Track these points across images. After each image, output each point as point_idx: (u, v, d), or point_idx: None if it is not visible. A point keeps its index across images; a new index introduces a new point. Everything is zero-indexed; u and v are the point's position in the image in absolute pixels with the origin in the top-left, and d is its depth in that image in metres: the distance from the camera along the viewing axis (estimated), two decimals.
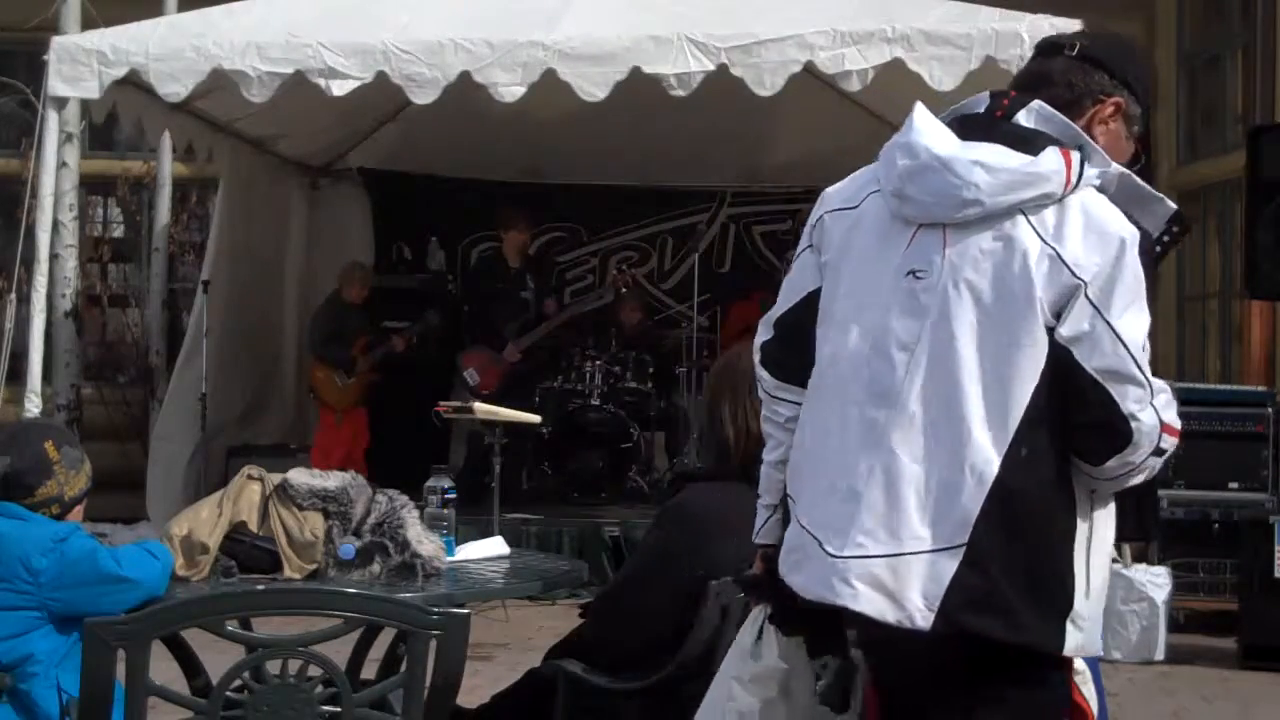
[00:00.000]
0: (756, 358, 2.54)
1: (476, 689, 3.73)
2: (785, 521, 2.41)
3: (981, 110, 2.34)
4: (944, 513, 2.17)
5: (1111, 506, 2.28)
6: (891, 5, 7.31)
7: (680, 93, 7.18)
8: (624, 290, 9.80)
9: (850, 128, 10.31)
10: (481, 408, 6.99)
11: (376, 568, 3.36)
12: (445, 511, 3.73)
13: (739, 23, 7.24)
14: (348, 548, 3.36)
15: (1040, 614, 2.17)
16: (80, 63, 7.32)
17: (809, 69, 7.27)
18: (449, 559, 3.61)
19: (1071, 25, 7.12)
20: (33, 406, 7.25)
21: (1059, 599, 2.18)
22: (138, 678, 2.52)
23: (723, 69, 7.11)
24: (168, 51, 7.30)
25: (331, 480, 3.47)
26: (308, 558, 3.37)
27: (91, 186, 10.84)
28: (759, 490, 2.57)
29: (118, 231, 11.55)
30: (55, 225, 8.50)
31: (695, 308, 9.71)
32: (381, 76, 7.22)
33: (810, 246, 2.46)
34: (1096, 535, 2.24)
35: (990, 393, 2.18)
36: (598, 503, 9.00)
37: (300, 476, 3.46)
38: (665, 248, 11.21)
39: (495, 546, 3.97)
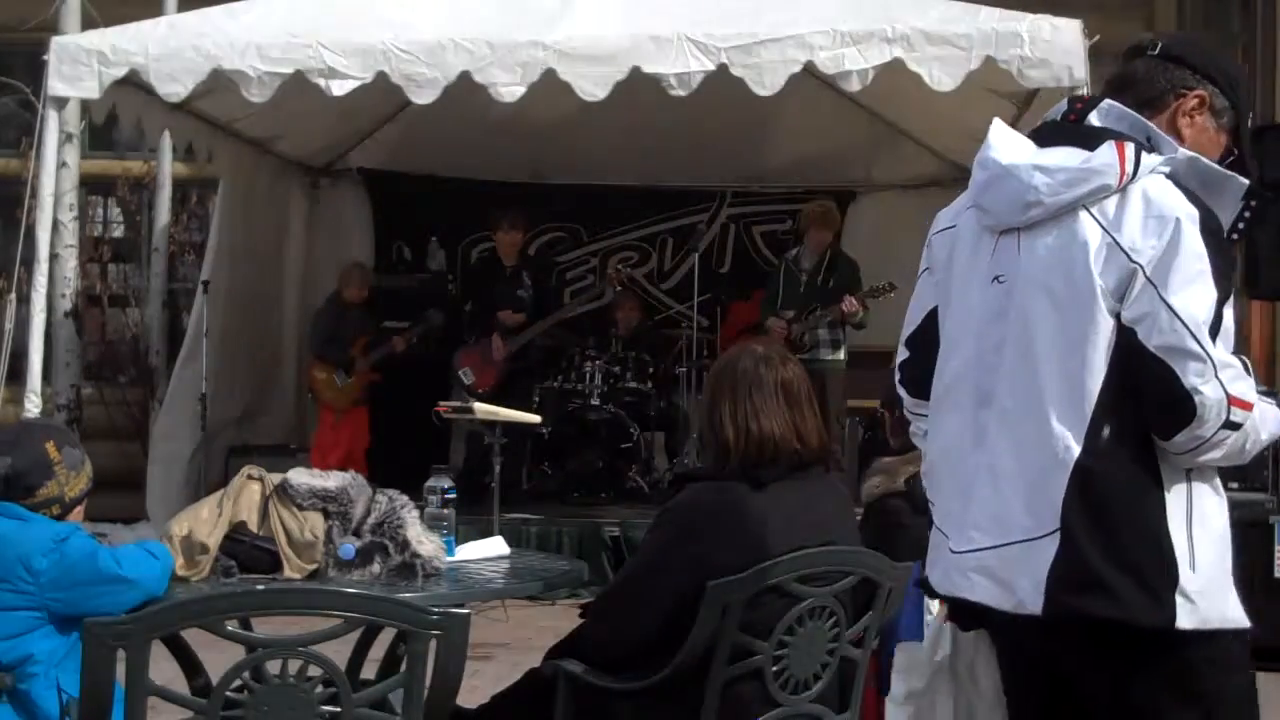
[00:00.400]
0: (896, 377, 2.71)
1: (476, 689, 3.72)
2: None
3: (1059, 116, 2.47)
4: (1037, 501, 2.29)
5: (1217, 481, 2.35)
6: (891, 5, 7.30)
7: (680, 93, 7.18)
8: (618, 289, 9.79)
9: (850, 128, 10.34)
10: (481, 408, 6.99)
11: (376, 568, 3.36)
12: (445, 511, 3.73)
13: (739, 23, 7.23)
14: (348, 548, 3.36)
15: (1142, 589, 2.24)
16: (80, 63, 7.31)
17: (809, 69, 7.27)
18: (449, 559, 3.61)
19: (1072, 25, 7.14)
20: (33, 406, 7.24)
21: (1160, 574, 2.25)
22: (138, 678, 2.51)
23: (723, 69, 7.11)
24: (168, 51, 7.30)
25: (331, 480, 3.47)
26: (308, 558, 3.38)
27: (91, 186, 10.84)
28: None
29: (118, 231, 11.54)
30: (55, 225, 8.51)
31: (695, 308, 9.71)
32: (381, 76, 7.21)
33: (927, 268, 2.62)
34: (1198, 509, 2.30)
35: (1065, 382, 2.29)
36: (598, 503, 8.99)
37: (300, 476, 3.46)
38: (665, 248, 11.21)
39: (495, 546, 3.97)
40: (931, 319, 2.57)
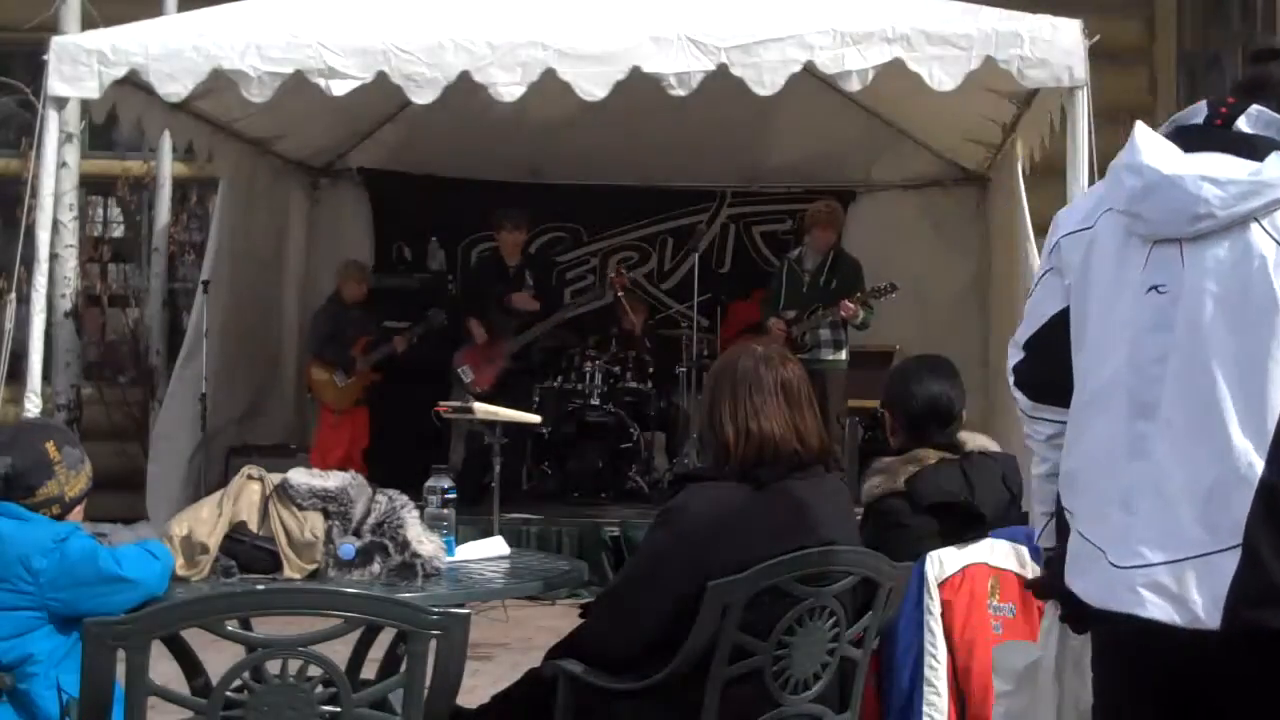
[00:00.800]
0: (1010, 380, 2.66)
1: (476, 689, 3.72)
2: (1061, 529, 2.53)
3: (1200, 120, 2.41)
4: (1215, 516, 2.26)
5: None
6: (891, 5, 7.30)
7: (680, 93, 7.18)
8: (620, 294, 9.78)
9: (850, 128, 10.34)
10: (481, 408, 6.98)
11: (376, 568, 3.36)
12: (445, 511, 3.73)
13: (739, 23, 7.23)
14: (348, 548, 3.36)
15: None
16: (80, 63, 7.31)
17: (809, 69, 7.26)
18: (449, 559, 3.61)
19: (1072, 25, 7.13)
20: (33, 406, 7.24)
21: None
22: (138, 678, 2.51)
23: (723, 69, 7.10)
24: (168, 51, 7.29)
25: (331, 480, 3.47)
26: (308, 558, 3.38)
27: (91, 186, 10.84)
28: (1034, 499, 2.69)
29: (118, 231, 11.53)
30: (55, 225, 8.50)
31: (695, 308, 9.71)
32: (381, 76, 7.21)
33: (1051, 269, 2.56)
34: None
35: (1245, 397, 2.26)
36: (598, 503, 9.00)
37: (300, 476, 3.46)
38: (665, 248, 11.21)
39: (495, 546, 3.97)
40: (1058, 323, 2.53)
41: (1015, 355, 2.65)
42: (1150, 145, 2.37)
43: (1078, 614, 2.49)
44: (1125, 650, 2.43)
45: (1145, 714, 2.43)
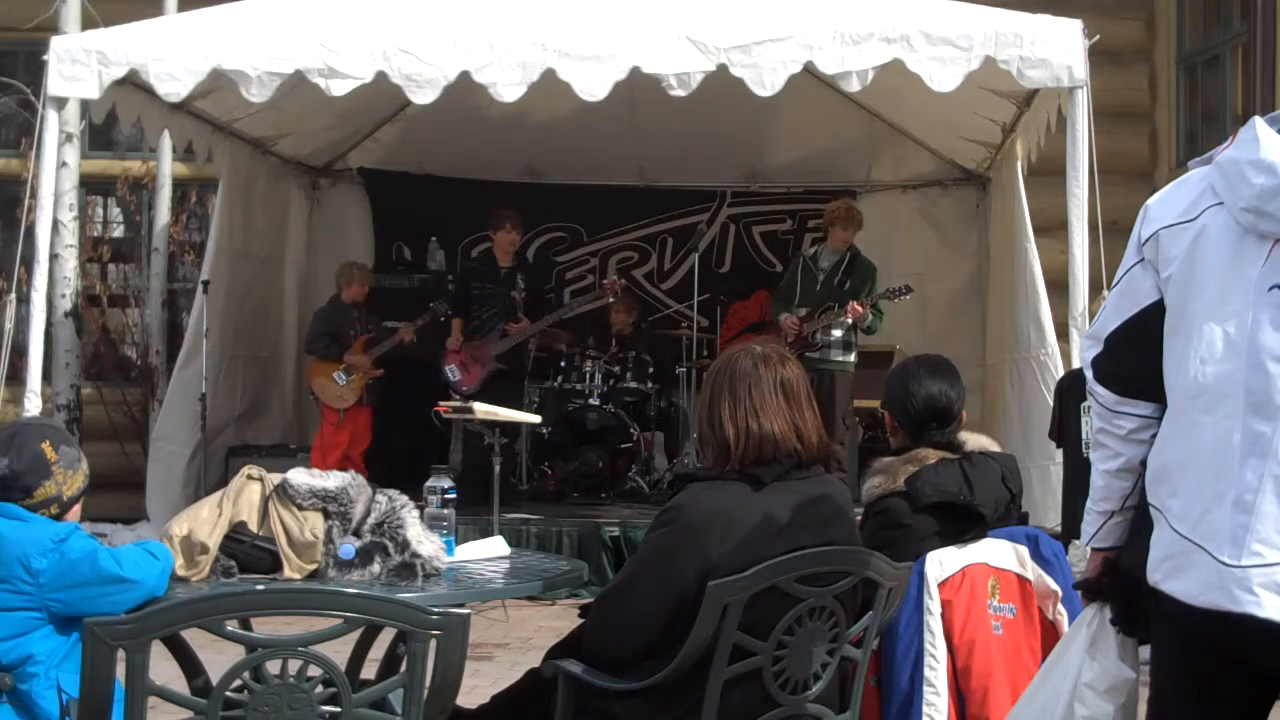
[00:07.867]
0: (1090, 374, 2.60)
1: (476, 689, 3.73)
2: (1137, 527, 2.49)
3: None
4: None
5: None
6: (891, 5, 7.31)
7: (680, 93, 7.19)
8: (614, 298, 9.74)
9: (850, 128, 10.35)
10: (481, 407, 6.98)
11: (376, 568, 3.36)
12: (445, 511, 3.73)
13: (739, 23, 7.24)
14: (348, 548, 3.36)
15: None
16: (80, 63, 7.32)
17: (809, 69, 7.27)
18: (449, 559, 3.61)
19: (1072, 25, 7.14)
20: (33, 406, 7.24)
21: None
22: (138, 678, 2.51)
23: (723, 69, 7.11)
24: (168, 51, 7.30)
25: (331, 480, 3.47)
26: (308, 558, 3.37)
27: (91, 186, 10.85)
28: (1095, 497, 2.63)
29: (118, 231, 11.55)
30: (55, 225, 8.51)
31: (695, 308, 9.71)
32: (381, 76, 7.22)
33: (1141, 260, 2.50)
34: None
35: None
36: (598, 503, 9.00)
37: (300, 476, 3.46)
38: (665, 248, 11.22)
39: (495, 546, 3.97)
40: (1149, 316, 2.47)
41: (1093, 348, 2.59)
42: (1275, 143, 2.31)
43: (1131, 617, 2.45)
44: (1218, 649, 2.38)
45: (1226, 713, 2.41)
